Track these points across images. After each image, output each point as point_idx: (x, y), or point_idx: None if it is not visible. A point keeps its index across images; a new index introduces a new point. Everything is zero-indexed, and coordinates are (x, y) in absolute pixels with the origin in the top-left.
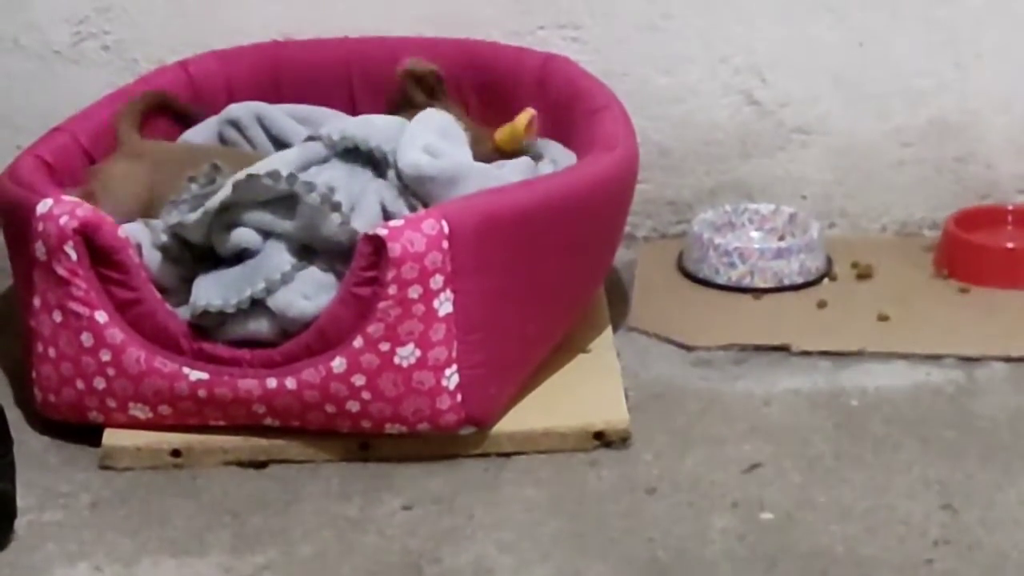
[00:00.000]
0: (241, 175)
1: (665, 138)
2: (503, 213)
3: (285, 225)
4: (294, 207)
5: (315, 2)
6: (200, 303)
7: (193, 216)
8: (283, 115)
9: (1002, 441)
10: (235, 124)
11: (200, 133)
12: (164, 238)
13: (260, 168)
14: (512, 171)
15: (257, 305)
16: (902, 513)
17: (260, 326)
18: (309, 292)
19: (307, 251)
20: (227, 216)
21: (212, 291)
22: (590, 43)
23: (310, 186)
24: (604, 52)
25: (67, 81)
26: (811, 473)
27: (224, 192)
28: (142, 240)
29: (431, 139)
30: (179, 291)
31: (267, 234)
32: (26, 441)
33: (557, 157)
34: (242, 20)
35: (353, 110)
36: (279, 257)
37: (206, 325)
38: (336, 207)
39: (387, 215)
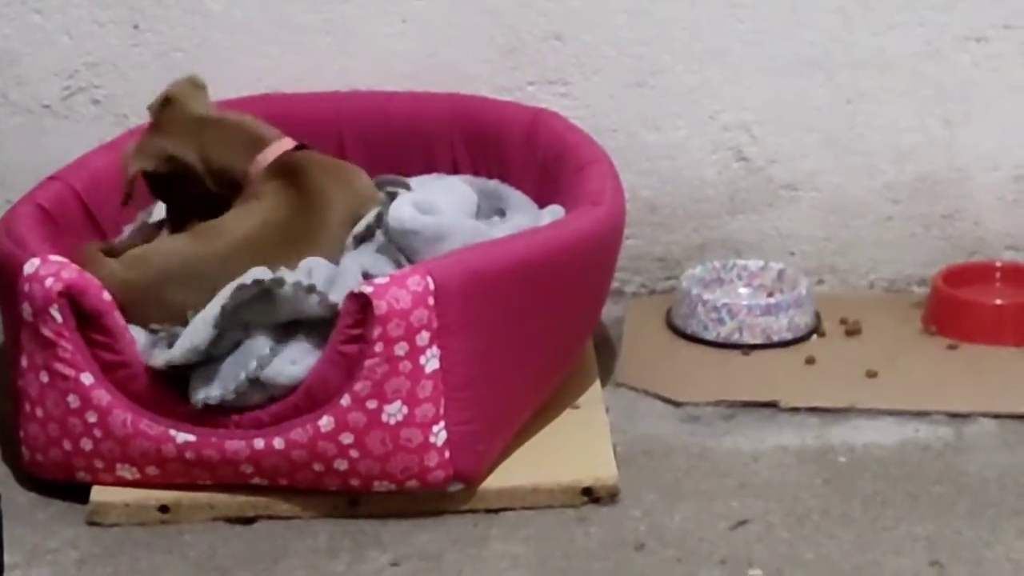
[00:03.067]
0: (215, 307)
1: (654, 194)
2: (489, 269)
3: (268, 318)
4: (273, 301)
5: (305, 56)
6: (200, 397)
7: (180, 353)
8: None
9: (990, 498)
10: None
11: None
12: (158, 365)
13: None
14: (506, 228)
15: (251, 383)
16: (890, 570)
17: (252, 398)
18: (296, 357)
19: (293, 323)
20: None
21: (211, 385)
22: (579, 99)
23: (279, 281)
24: (593, 108)
25: (57, 135)
26: (799, 529)
27: (211, 332)
28: (136, 339)
29: (427, 197)
30: (171, 380)
31: (249, 324)
32: (13, 497)
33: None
34: (232, 74)
35: None
36: (264, 339)
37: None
38: (311, 289)
39: (370, 279)
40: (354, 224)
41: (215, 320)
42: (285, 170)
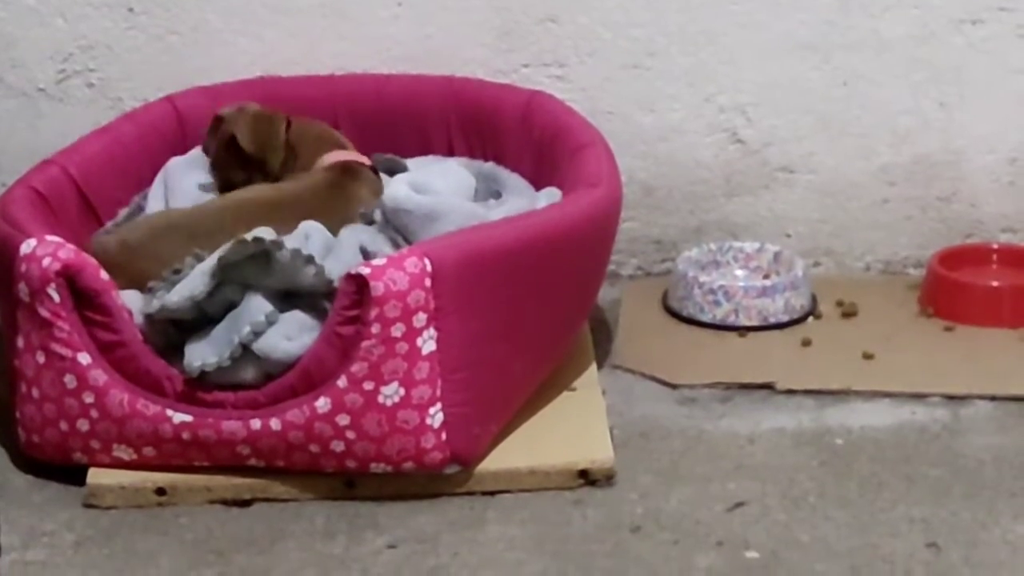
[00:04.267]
0: (213, 259)
1: (650, 176)
2: (486, 251)
3: (264, 280)
4: (269, 263)
5: (301, 39)
6: (196, 364)
7: (176, 299)
8: None
9: (986, 479)
10: None
11: (193, 161)
12: (152, 309)
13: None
14: (502, 211)
15: (245, 351)
16: (886, 552)
17: (247, 373)
18: (292, 333)
19: (289, 295)
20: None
21: (205, 350)
22: (575, 81)
23: (279, 244)
24: (589, 91)
25: (52, 119)
26: (796, 511)
27: (208, 281)
28: (133, 307)
29: (424, 177)
30: (167, 352)
31: (247, 286)
32: (10, 479)
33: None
34: (227, 57)
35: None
36: (260, 302)
37: (200, 380)
38: (309, 260)
39: (368, 256)
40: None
41: (212, 270)
42: (339, 168)
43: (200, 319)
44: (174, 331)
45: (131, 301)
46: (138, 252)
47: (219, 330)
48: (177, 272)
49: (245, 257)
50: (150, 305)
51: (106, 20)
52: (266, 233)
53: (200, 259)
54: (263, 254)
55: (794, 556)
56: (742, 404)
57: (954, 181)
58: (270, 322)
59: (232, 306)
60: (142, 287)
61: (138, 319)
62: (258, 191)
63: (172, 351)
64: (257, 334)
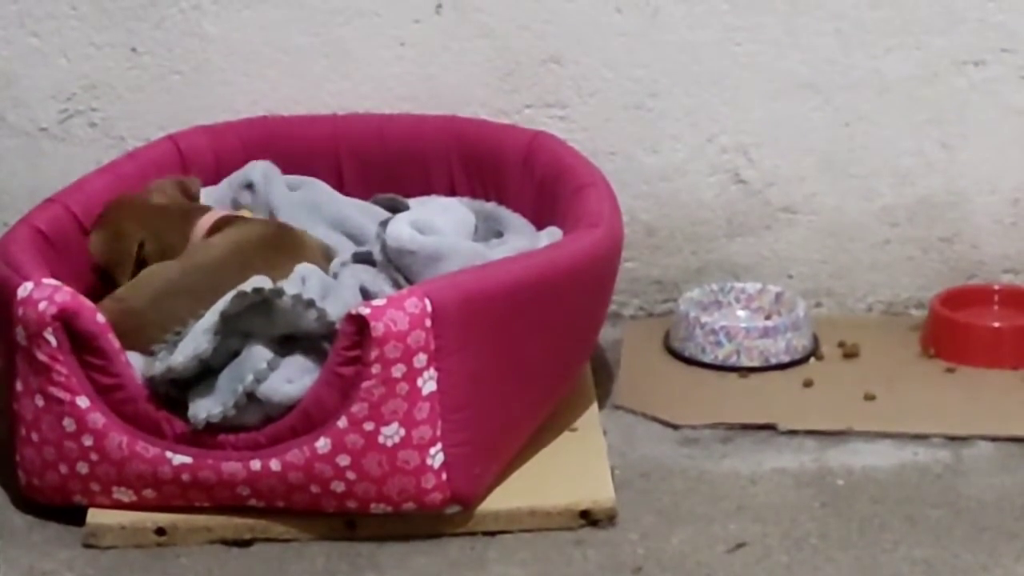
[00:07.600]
0: (214, 315)
1: (652, 217)
2: (486, 291)
3: (266, 328)
4: (271, 311)
5: (303, 79)
6: (201, 416)
7: (182, 360)
8: (282, 184)
9: (988, 521)
10: (250, 187)
11: (211, 195)
12: (158, 372)
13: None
14: (504, 251)
15: (248, 396)
16: None
17: (248, 417)
18: (292, 376)
19: (288, 338)
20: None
21: (209, 401)
22: (577, 122)
23: (279, 291)
24: (591, 131)
25: (54, 158)
26: (797, 552)
27: (211, 338)
28: (135, 366)
29: (426, 216)
30: (167, 403)
31: (248, 334)
32: (10, 519)
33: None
34: (229, 97)
35: (341, 185)
36: (261, 350)
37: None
38: (310, 304)
39: (368, 296)
40: (324, 254)
41: (215, 327)
42: (230, 222)
43: (201, 372)
44: (174, 389)
45: (132, 361)
46: (143, 318)
47: (222, 380)
48: (178, 333)
49: (246, 307)
50: (153, 368)
51: (108, 60)
52: (263, 282)
53: (199, 317)
54: (264, 303)
55: None
56: (744, 445)
57: (956, 222)
58: (272, 368)
59: (234, 355)
60: (145, 350)
61: (138, 380)
62: (232, 239)
63: (172, 402)
64: (259, 381)
